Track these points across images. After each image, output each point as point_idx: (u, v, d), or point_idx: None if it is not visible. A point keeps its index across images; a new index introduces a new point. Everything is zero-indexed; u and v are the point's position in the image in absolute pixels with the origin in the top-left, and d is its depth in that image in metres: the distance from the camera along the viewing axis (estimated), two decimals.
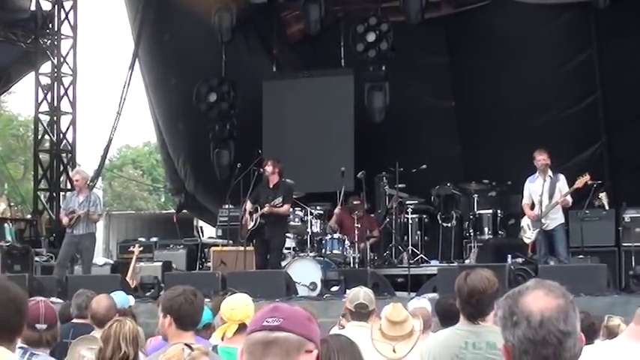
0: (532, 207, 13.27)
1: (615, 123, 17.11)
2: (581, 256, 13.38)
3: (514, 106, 17.28)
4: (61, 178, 21.40)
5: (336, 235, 14.81)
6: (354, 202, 15.11)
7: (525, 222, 13.43)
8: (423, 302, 7.57)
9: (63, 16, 21.41)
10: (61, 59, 21.36)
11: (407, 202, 15.75)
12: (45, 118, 21.78)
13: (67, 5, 21.42)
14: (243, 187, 14.69)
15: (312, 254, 14.38)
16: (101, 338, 4.99)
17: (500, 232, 15.48)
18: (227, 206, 16.72)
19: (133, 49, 19.86)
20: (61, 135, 21.40)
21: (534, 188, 13.27)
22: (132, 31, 20.04)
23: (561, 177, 13.25)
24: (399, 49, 17.12)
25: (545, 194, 13.11)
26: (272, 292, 11.82)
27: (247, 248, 14.41)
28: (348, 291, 6.56)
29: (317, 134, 17.98)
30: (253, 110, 18.34)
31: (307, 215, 15.02)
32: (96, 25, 73.00)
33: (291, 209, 14.45)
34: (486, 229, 15.44)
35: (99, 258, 16.92)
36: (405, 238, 15.55)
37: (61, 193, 20.82)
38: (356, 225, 14.61)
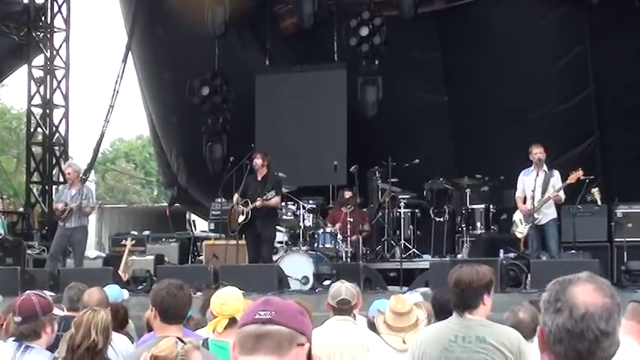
0: (524, 200, 13.29)
1: (608, 119, 17.13)
2: (573, 252, 13.37)
3: (507, 101, 17.28)
4: (54, 171, 21.38)
5: (328, 229, 14.80)
6: (346, 194, 15.11)
7: (517, 217, 13.42)
8: (416, 296, 7.56)
9: (56, 8, 21.38)
10: (54, 52, 21.34)
11: (399, 197, 15.75)
12: (37, 111, 21.74)
13: None
14: (236, 180, 14.65)
15: (304, 248, 14.38)
16: (73, 324, 5.02)
17: (492, 226, 15.50)
18: (219, 200, 16.70)
19: (126, 43, 19.83)
20: (54, 128, 21.37)
21: (528, 182, 13.26)
22: (125, 25, 20.02)
23: (556, 173, 13.23)
24: (392, 43, 17.13)
25: (537, 189, 13.10)
26: (264, 286, 11.80)
27: (240, 242, 14.40)
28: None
29: (310, 128, 17.96)
30: (246, 104, 18.31)
31: (300, 209, 15.01)
32: (89, 18, 72.98)
33: (282, 202, 14.46)
34: (479, 224, 15.46)
35: (91, 251, 16.89)
36: (398, 232, 15.56)
37: (54, 186, 20.80)
38: (348, 219, 14.60)
